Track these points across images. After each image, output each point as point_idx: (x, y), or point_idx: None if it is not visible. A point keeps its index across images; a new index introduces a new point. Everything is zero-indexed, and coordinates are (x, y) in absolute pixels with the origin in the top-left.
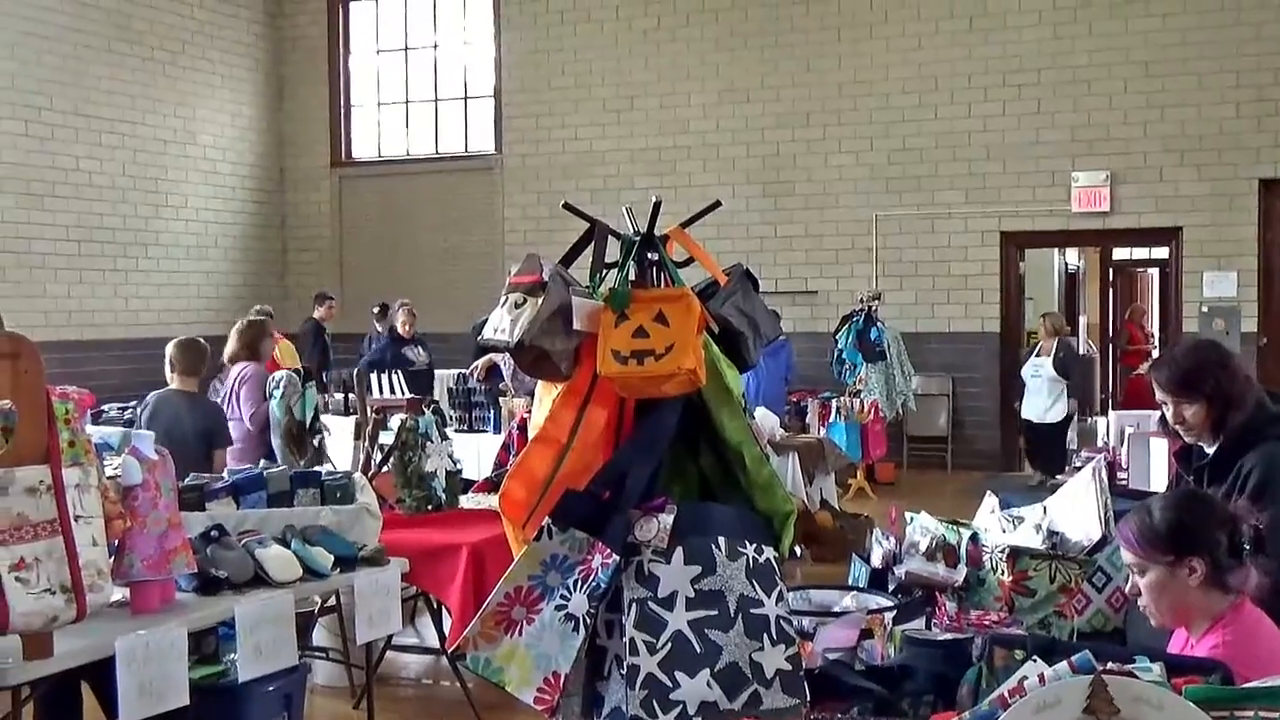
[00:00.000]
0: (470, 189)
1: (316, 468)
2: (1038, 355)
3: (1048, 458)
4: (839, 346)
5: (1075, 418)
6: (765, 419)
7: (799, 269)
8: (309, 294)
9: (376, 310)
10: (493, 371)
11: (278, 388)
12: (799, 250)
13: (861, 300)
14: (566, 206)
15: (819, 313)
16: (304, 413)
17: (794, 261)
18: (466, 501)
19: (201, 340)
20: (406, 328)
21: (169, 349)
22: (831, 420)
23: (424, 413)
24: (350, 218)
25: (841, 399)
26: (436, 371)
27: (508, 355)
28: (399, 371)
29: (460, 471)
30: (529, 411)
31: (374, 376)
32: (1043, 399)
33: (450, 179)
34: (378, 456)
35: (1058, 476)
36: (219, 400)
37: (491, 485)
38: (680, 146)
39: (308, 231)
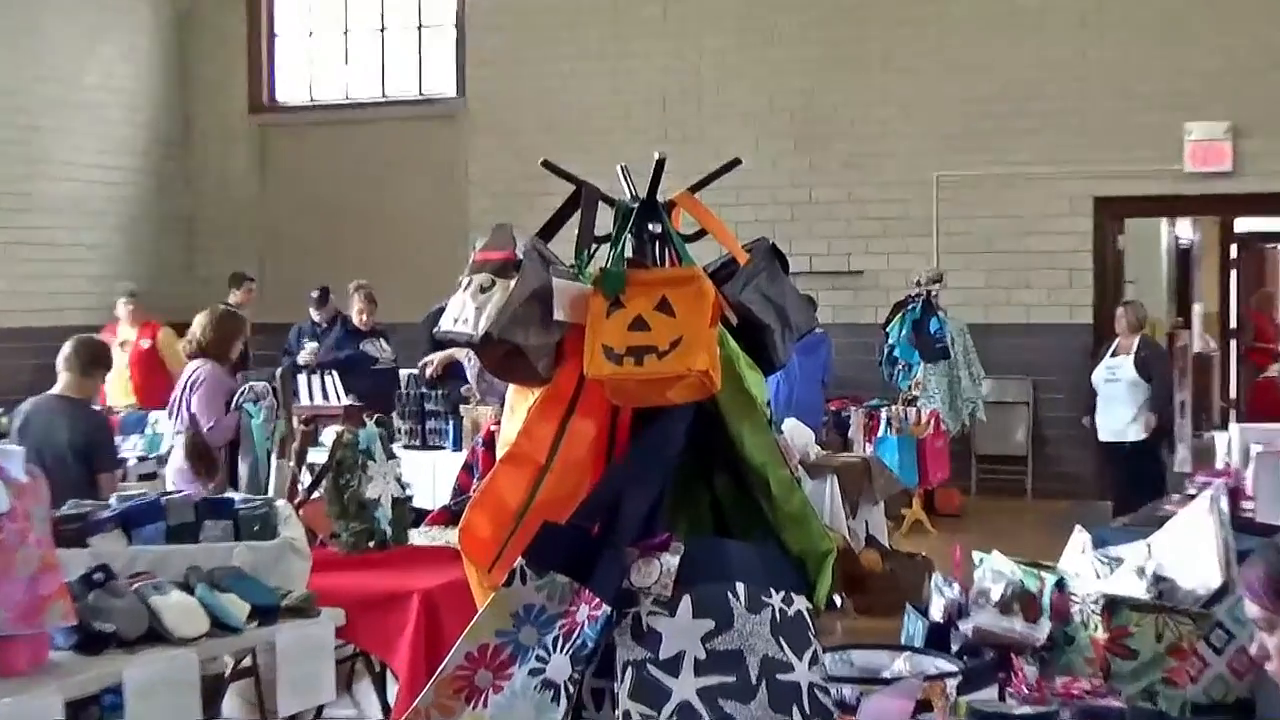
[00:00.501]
0: (426, 143)
1: (229, 493)
2: (1114, 355)
3: (1132, 491)
4: (890, 342)
5: (1165, 435)
6: (797, 433)
7: (839, 244)
8: (222, 274)
9: (315, 295)
10: (452, 372)
11: (254, 401)
12: (839, 220)
13: (918, 284)
14: (546, 165)
15: (864, 299)
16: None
17: (833, 235)
18: (418, 537)
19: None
20: (364, 316)
21: (65, 346)
22: (880, 435)
23: (365, 424)
24: (275, 178)
25: (893, 408)
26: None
27: (471, 352)
28: (334, 372)
29: (410, 499)
30: (497, 423)
31: (303, 378)
32: (1122, 411)
33: (400, 130)
34: (307, 479)
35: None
36: (172, 401)
37: (450, 516)
38: (690, 91)
39: (221, 195)
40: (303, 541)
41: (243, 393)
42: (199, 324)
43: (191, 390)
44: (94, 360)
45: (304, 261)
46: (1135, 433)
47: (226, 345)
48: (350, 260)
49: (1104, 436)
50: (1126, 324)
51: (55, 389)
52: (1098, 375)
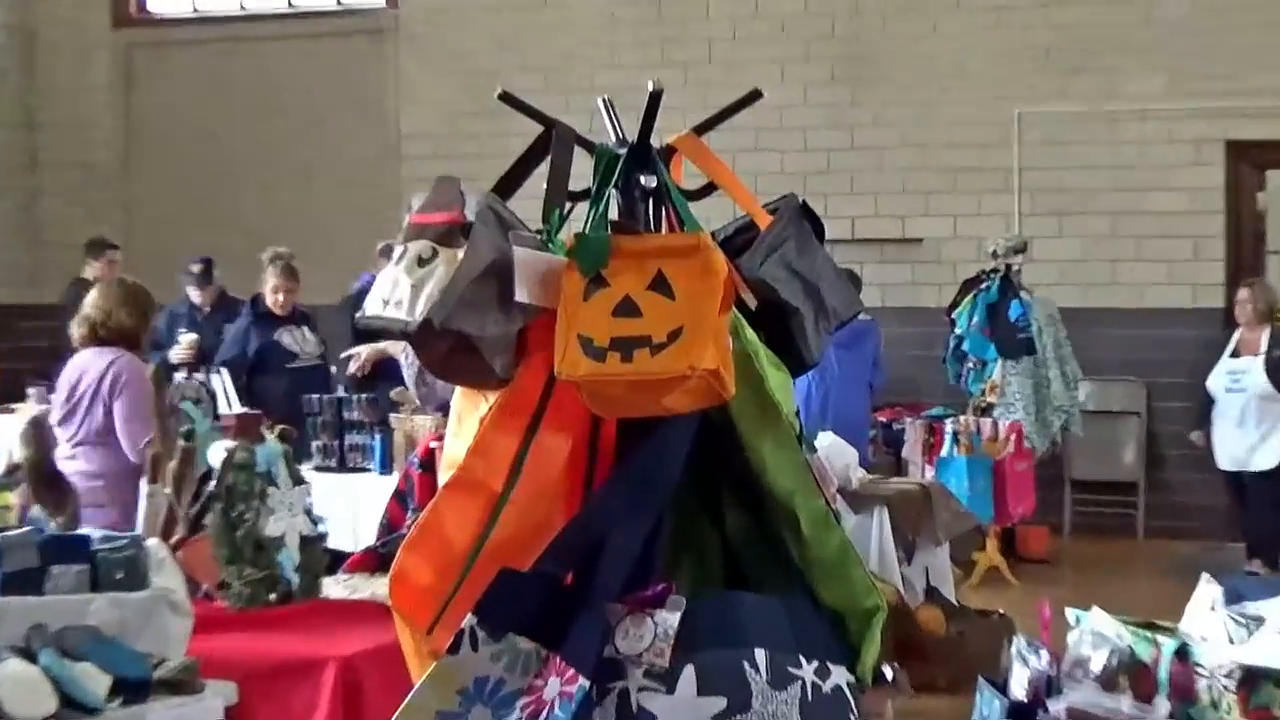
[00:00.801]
0: (345, 67)
1: (84, 529)
2: (1235, 355)
3: (1268, 535)
4: (958, 332)
5: None
6: (836, 452)
7: (890, 203)
8: (74, 241)
9: (196, 269)
10: (381, 371)
11: (196, 401)
12: (891, 172)
13: (994, 255)
14: (506, 98)
15: (924, 275)
16: None
17: (882, 190)
18: (335, 587)
19: None
20: (281, 296)
21: None
22: (945, 454)
23: (264, 438)
24: (145, 114)
25: (961, 419)
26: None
27: (407, 345)
28: (221, 371)
29: (324, 537)
30: (440, 438)
31: (179, 380)
32: (1246, 431)
33: (312, 51)
34: (187, 511)
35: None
36: (63, 402)
37: (377, 560)
38: (695, 2)
39: (74, 136)
40: (182, 593)
41: (178, 389)
42: (106, 300)
43: (117, 389)
44: None
45: (181, 224)
46: (1265, 460)
47: (144, 329)
48: (242, 223)
49: (1224, 463)
50: (1252, 311)
51: None
52: (1215, 381)
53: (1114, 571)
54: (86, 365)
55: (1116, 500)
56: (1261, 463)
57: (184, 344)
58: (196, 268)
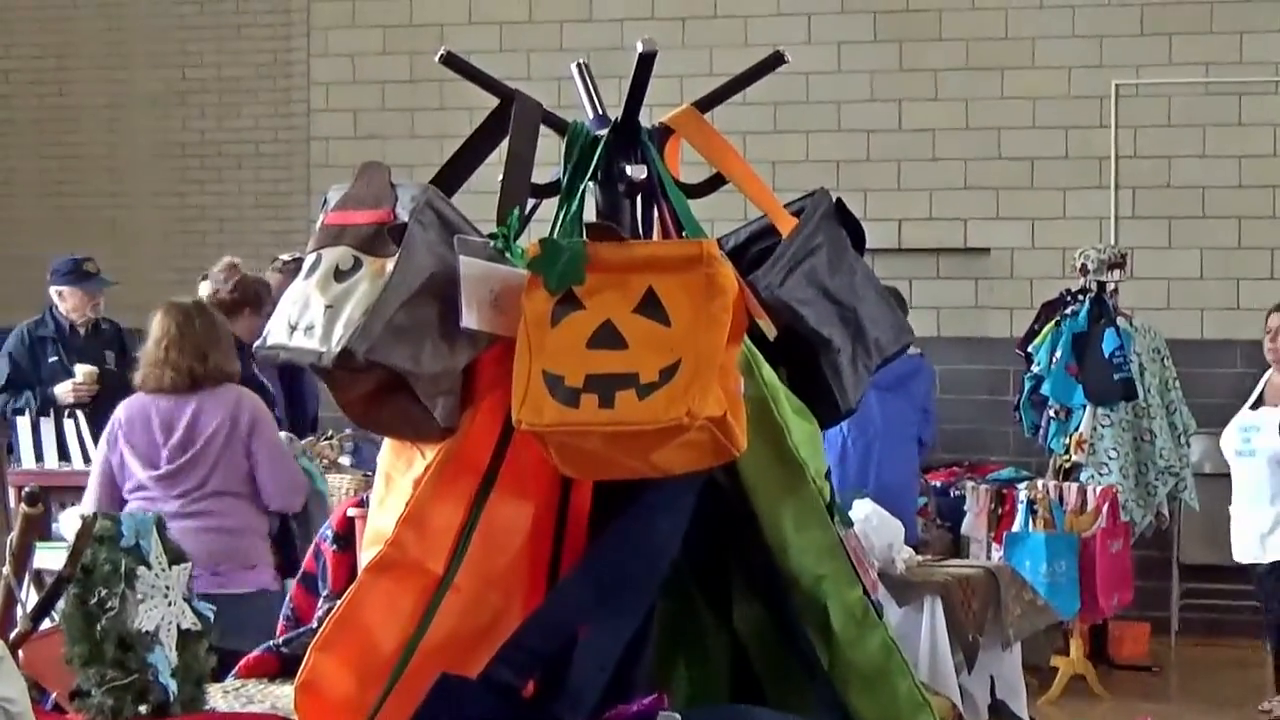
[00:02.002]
0: (240, 18)
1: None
2: (1256, 406)
3: None
4: (1036, 370)
5: None
6: (878, 525)
7: (949, 201)
8: None
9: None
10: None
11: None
12: (949, 161)
13: (1084, 271)
14: (449, 61)
15: (992, 296)
16: None
17: (938, 185)
18: (225, 697)
19: None
20: (84, 308)
21: None
22: (1017, 529)
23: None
24: None
25: (1039, 484)
26: None
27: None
28: (77, 414)
29: (210, 632)
30: (361, 504)
31: (24, 425)
32: (1259, 510)
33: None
34: (32, 598)
35: None
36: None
37: (278, 662)
38: None
39: None
40: (23, 704)
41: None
42: (196, 334)
43: (251, 437)
44: None
45: (20, 220)
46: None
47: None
48: (102, 217)
49: (1238, 554)
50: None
51: None
52: (1226, 441)
53: (1233, 681)
54: (201, 408)
55: (1239, 590)
56: (1275, 552)
57: (82, 376)
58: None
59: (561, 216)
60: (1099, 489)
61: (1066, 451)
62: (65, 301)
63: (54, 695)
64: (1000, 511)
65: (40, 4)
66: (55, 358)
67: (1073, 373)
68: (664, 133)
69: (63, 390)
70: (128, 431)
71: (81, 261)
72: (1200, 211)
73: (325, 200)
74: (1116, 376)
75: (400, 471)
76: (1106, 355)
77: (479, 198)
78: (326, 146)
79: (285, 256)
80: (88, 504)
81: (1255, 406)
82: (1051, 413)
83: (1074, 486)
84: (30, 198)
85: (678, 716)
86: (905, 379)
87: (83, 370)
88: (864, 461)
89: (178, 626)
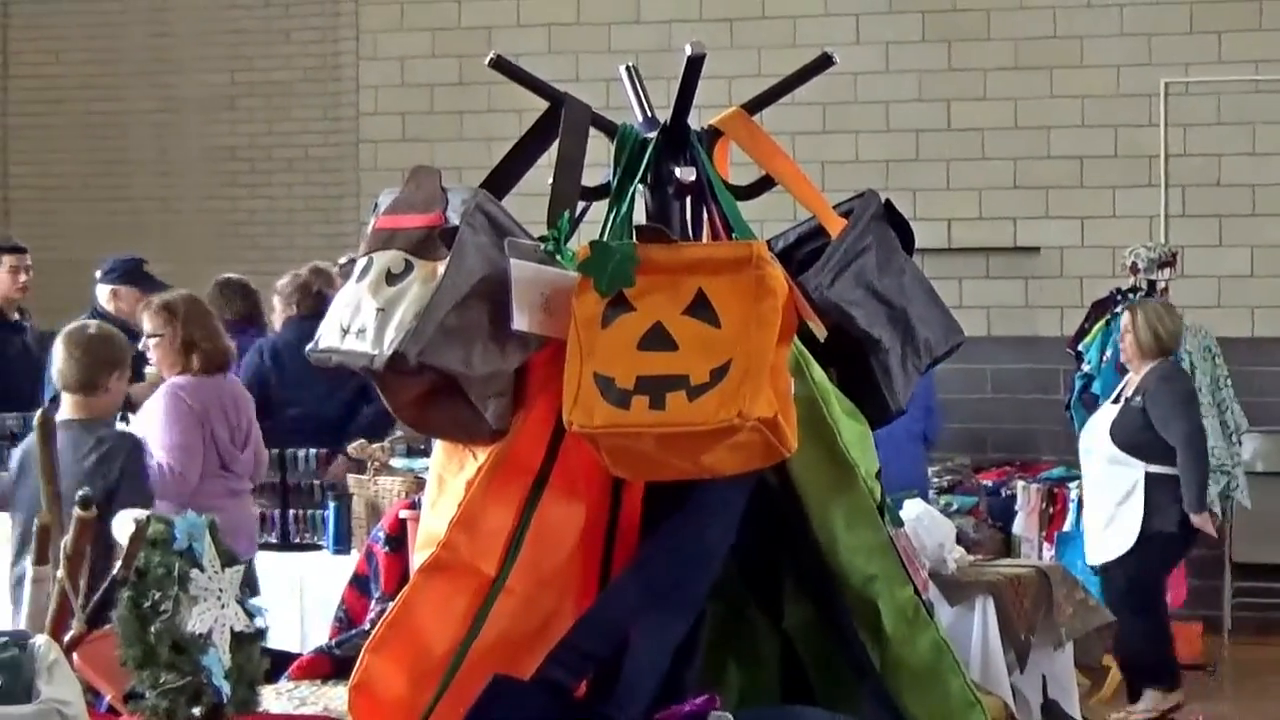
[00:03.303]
0: (291, 22)
1: None
2: (1116, 401)
3: (1130, 658)
4: (1086, 369)
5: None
6: (928, 525)
7: (998, 201)
8: None
9: (104, 275)
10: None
11: None
12: (998, 161)
13: (1134, 270)
14: (499, 65)
15: (1041, 295)
16: None
17: (987, 185)
18: (278, 699)
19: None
20: (138, 309)
21: (56, 349)
22: (1068, 528)
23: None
24: (27, 81)
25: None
26: None
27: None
28: (130, 414)
29: (264, 634)
30: (412, 506)
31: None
32: (1095, 510)
33: (248, 1)
34: (86, 600)
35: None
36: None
37: (331, 664)
38: None
39: None
40: (79, 706)
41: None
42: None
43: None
44: (99, 362)
45: (70, 221)
46: (1113, 547)
47: None
48: (150, 220)
49: (1092, 556)
50: (1133, 344)
51: (60, 414)
52: (1084, 441)
53: None
54: (236, 393)
55: None
56: (1112, 549)
57: (152, 379)
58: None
59: (611, 219)
60: None
61: None
62: (120, 301)
63: (108, 697)
64: (1051, 511)
65: (89, 10)
66: None
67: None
68: (713, 135)
69: (140, 391)
70: (212, 413)
71: (141, 262)
72: (1250, 209)
73: (376, 204)
74: None
75: (452, 474)
76: None
77: (529, 200)
78: (375, 150)
79: (342, 260)
80: (191, 478)
81: (1115, 402)
82: None
83: None
84: (80, 202)
85: (729, 717)
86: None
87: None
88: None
89: (231, 628)
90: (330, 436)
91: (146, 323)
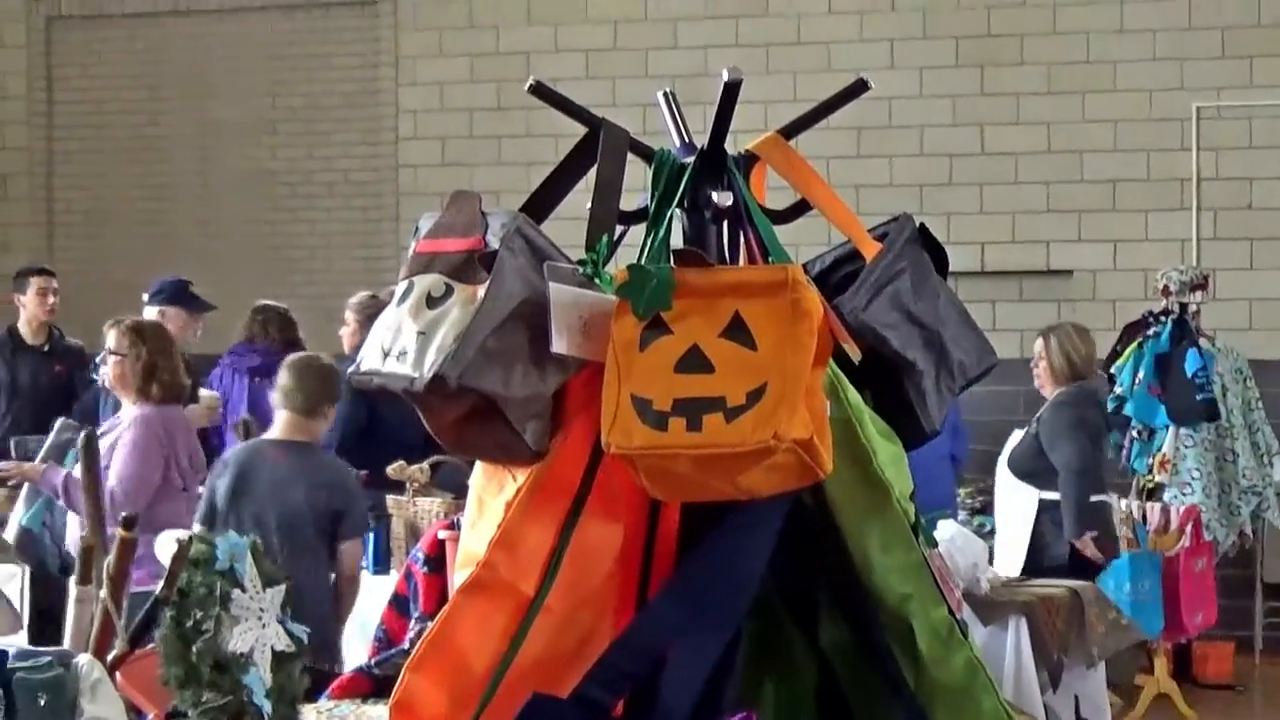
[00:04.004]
0: (330, 48)
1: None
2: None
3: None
4: (1119, 390)
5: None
6: (962, 545)
7: (1031, 224)
8: None
9: (152, 297)
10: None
11: None
12: (1031, 185)
13: (1166, 292)
14: (538, 90)
15: (1075, 317)
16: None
17: (1020, 208)
18: (318, 717)
19: (335, 367)
20: (186, 331)
21: (283, 373)
22: None
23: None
24: (72, 106)
25: (1122, 503)
26: None
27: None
28: None
29: (304, 653)
30: (451, 526)
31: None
32: (1004, 529)
33: (285, 26)
34: (129, 620)
35: None
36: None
37: (370, 683)
38: None
39: None
40: None
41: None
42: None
43: None
44: (323, 391)
45: (114, 245)
46: (1017, 568)
47: None
48: (191, 243)
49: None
50: (1046, 371)
51: (274, 432)
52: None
53: None
54: (189, 423)
55: None
56: (1010, 568)
57: (213, 402)
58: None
59: (649, 243)
60: (1182, 508)
61: (1150, 471)
62: (167, 321)
63: (151, 716)
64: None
65: (131, 35)
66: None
67: (1155, 393)
68: (749, 159)
69: (196, 414)
70: (178, 440)
71: (187, 284)
72: None
73: (417, 228)
74: (1199, 397)
75: (492, 494)
76: (1189, 376)
77: (567, 224)
78: (415, 174)
79: (366, 295)
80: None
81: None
82: (1134, 433)
83: (1157, 506)
84: (122, 225)
85: None
86: None
87: (211, 396)
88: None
89: (271, 648)
90: (419, 457)
91: (112, 340)
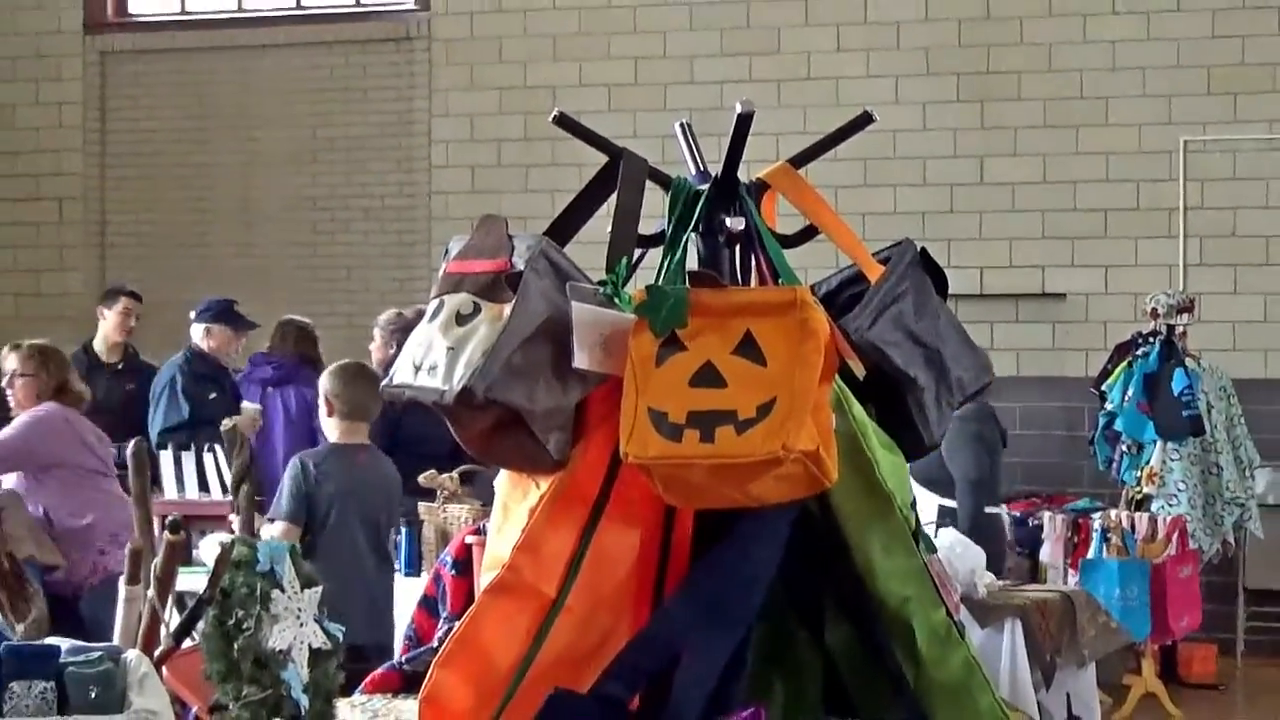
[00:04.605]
0: (367, 81)
1: (53, 638)
2: None
3: None
4: (1109, 407)
5: None
6: (961, 552)
7: (1028, 250)
8: (32, 285)
9: (199, 315)
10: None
11: None
12: (1028, 213)
13: (1155, 314)
14: (562, 121)
15: (1068, 338)
16: None
17: (1018, 235)
18: (352, 711)
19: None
20: (229, 347)
21: (326, 379)
22: (1092, 555)
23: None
24: (124, 135)
25: (1112, 513)
26: None
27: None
28: (215, 449)
29: (340, 651)
30: (478, 532)
31: (168, 457)
32: None
33: (325, 61)
34: (175, 619)
35: None
36: None
37: (402, 680)
38: (791, 4)
39: (40, 161)
40: (167, 716)
41: None
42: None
43: None
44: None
45: (164, 266)
46: None
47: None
48: (236, 265)
49: None
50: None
51: (357, 436)
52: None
53: None
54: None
55: None
56: None
57: (249, 414)
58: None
59: (666, 265)
60: (1169, 518)
61: (1138, 483)
62: (213, 339)
63: (195, 709)
64: (1076, 539)
65: (181, 70)
66: (214, 394)
67: (1144, 410)
68: (761, 187)
69: (244, 423)
70: (84, 430)
71: (232, 303)
72: (1264, 259)
73: (447, 250)
74: (1185, 413)
75: (516, 501)
76: (1176, 394)
77: (589, 248)
78: (446, 200)
79: (392, 313)
80: None
81: None
82: (1124, 447)
83: (1145, 516)
84: (171, 247)
85: None
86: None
87: (252, 408)
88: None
89: (309, 646)
90: (449, 466)
91: (18, 361)
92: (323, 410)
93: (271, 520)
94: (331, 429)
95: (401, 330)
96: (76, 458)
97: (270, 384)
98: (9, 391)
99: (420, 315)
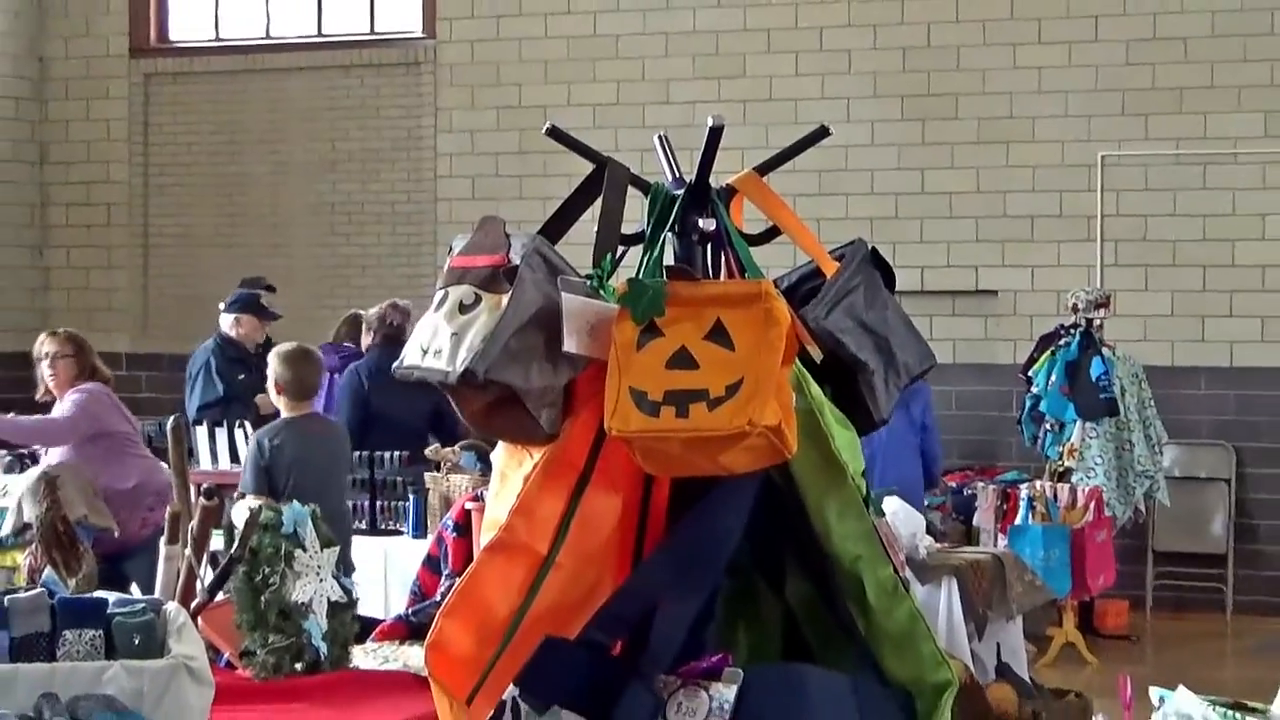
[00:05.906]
0: (380, 100)
1: (101, 591)
2: None
3: None
4: (1034, 391)
5: None
6: (903, 518)
7: (963, 251)
8: (79, 290)
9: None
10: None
11: None
12: (963, 219)
13: (1075, 309)
14: (554, 133)
15: (999, 329)
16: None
17: (955, 238)
18: (365, 657)
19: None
20: (255, 335)
21: (273, 362)
22: (1019, 522)
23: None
24: (164, 148)
25: (1037, 484)
26: None
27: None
28: (245, 424)
29: (355, 603)
30: (476, 498)
31: (203, 432)
32: None
33: (345, 82)
34: (208, 575)
35: None
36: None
37: (409, 629)
38: (755, 31)
39: (89, 170)
40: (202, 661)
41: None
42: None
43: None
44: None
45: (200, 267)
46: None
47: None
48: (267, 265)
49: None
50: None
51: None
52: None
53: (1200, 649)
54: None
55: (1203, 573)
56: None
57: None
58: (227, 305)
59: (645, 261)
60: (1087, 489)
61: (1060, 458)
62: (241, 327)
63: (227, 654)
64: (1005, 507)
65: (215, 89)
66: (243, 375)
67: (1066, 393)
68: (730, 192)
69: (265, 401)
70: (120, 404)
71: (258, 295)
72: (1172, 260)
73: (451, 247)
74: (1102, 396)
75: (512, 469)
76: (1094, 379)
77: (578, 247)
78: (450, 206)
79: (353, 313)
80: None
81: None
82: (1048, 426)
83: (1066, 487)
84: (206, 247)
85: (740, 672)
86: (904, 399)
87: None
88: (869, 471)
89: (328, 599)
90: (415, 441)
91: (57, 345)
92: (272, 391)
93: (242, 495)
94: (282, 405)
95: (379, 321)
96: (120, 426)
97: (336, 372)
98: (49, 373)
99: (393, 308)
